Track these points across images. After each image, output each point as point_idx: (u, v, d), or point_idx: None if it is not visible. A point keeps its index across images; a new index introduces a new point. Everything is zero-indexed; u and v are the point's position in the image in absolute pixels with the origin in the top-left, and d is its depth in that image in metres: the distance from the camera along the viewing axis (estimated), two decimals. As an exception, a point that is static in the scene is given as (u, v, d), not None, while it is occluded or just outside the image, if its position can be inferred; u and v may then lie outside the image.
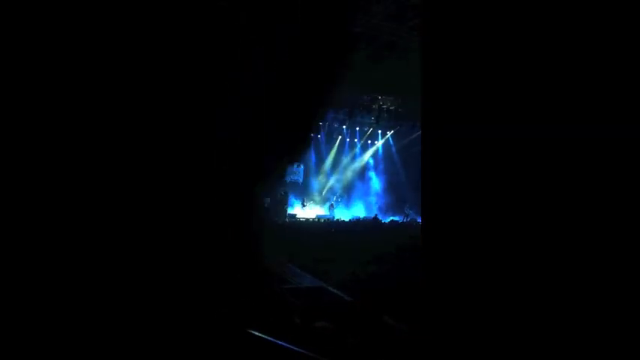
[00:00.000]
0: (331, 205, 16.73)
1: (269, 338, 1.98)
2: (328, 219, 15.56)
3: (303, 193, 16.97)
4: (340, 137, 18.28)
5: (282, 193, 16.13)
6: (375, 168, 18.88)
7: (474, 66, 1.60)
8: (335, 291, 4.39)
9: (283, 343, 1.96)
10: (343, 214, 16.38)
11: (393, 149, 18.78)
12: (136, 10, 1.84)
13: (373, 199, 18.11)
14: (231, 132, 2.10)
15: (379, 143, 18.83)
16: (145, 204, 1.95)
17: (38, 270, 1.73)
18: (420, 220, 16.37)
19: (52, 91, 1.83)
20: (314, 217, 15.68)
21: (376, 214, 15.86)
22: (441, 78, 1.71)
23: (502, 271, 1.45)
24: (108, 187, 1.88)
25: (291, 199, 16.34)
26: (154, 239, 1.93)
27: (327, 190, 17.99)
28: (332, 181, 18.19)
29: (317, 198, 17.60)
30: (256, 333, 1.97)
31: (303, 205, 15.89)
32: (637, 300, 1.21)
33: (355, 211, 17.17)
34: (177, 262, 1.98)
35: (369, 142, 18.88)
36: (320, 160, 18.19)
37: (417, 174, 17.63)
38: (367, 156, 18.89)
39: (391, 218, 16.57)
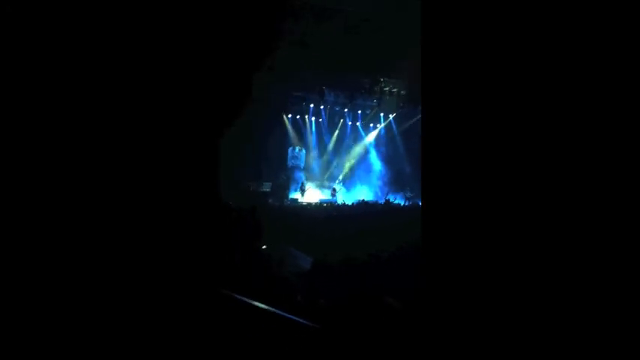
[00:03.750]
0: (333, 190, 16.74)
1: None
2: (331, 203, 15.60)
3: (304, 178, 16.99)
4: (342, 120, 18.19)
5: (284, 177, 16.16)
6: (378, 151, 18.82)
7: (474, 64, 1.59)
8: (335, 272, 4.44)
9: (287, 314, 2.03)
10: (346, 198, 16.40)
11: (396, 132, 18.69)
12: None
13: (376, 181, 18.11)
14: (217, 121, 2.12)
15: (381, 126, 18.73)
16: (142, 188, 1.97)
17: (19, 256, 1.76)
18: (420, 203, 16.40)
19: (48, 90, 1.86)
20: (317, 201, 15.72)
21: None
22: (441, 76, 1.70)
23: (504, 271, 1.45)
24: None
25: (293, 183, 16.39)
26: (156, 231, 1.97)
27: (329, 174, 17.99)
28: (334, 164, 18.17)
29: (319, 182, 17.61)
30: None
31: (303, 191, 15.90)
32: (636, 300, 1.22)
33: (358, 194, 17.19)
34: (180, 251, 2.02)
35: (372, 125, 18.78)
36: (322, 144, 18.15)
37: (418, 157, 17.57)
38: (369, 139, 18.81)
39: (388, 197, 16.49)
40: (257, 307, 2.06)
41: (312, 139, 17.93)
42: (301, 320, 2.01)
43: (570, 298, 1.32)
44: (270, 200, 14.08)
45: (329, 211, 13.15)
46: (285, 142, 17.35)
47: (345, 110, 17.80)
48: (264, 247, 6.41)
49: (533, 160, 1.43)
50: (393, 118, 18.41)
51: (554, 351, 1.33)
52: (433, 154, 1.71)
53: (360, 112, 18.11)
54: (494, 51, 1.54)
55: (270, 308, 2.05)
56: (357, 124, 18.46)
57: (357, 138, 18.68)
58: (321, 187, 17.39)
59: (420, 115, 17.77)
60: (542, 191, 1.40)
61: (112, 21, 1.87)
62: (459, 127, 1.63)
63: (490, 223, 1.51)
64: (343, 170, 18.19)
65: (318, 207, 14.34)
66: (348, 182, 17.90)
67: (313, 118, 17.73)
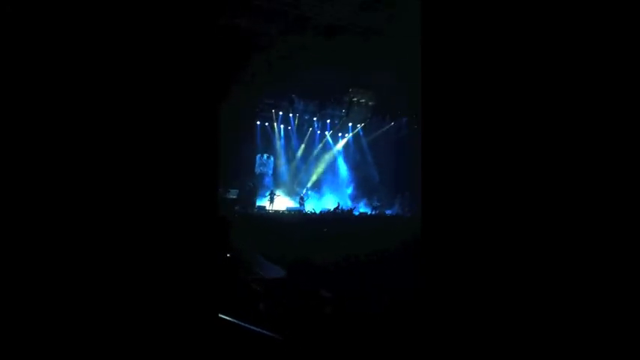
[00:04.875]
0: (301, 198, 16.67)
1: (238, 322, 2.02)
2: (299, 211, 15.52)
3: (272, 185, 16.84)
4: (311, 129, 18.24)
5: (251, 184, 15.94)
6: (346, 160, 18.97)
7: (473, 66, 1.59)
8: (297, 281, 4.40)
9: (250, 326, 2.00)
10: (314, 206, 16.38)
11: (364, 141, 18.93)
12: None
13: (344, 190, 18.22)
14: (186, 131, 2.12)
15: (350, 135, 18.92)
16: (112, 201, 1.93)
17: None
18: (387, 212, 16.65)
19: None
20: (284, 209, 15.60)
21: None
22: (440, 77, 1.70)
23: (504, 270, 1.45)
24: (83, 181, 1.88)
25: (260, 190, 16.20)
26: (124, 231, 1.91)
27: (298, 182, 17.93)
28: (302, 172, 18.13)
29: (288, 190, 17.50)
30: (226, 317, 2.02)
31: (272, 198, 15.75)
32: (636, 299, 1.21)
33: (326, 202, 17.22)
34: (146, 252, 1.96)
35: (340, 134, 18.93)
36: (290, 152, 18.08)
37: (386, 166, 17.93)
38: (338, 148, 18.94)
39: (352, 206, 16.63)
40: (225, 320, 2.03)
41: (280, 146, 17.84)
42: (266, 332, 1.98)
43: (568, 297, 1.31)
44: (236, 207, 13.84)
45: (296, 220, 13.09)
46: (253, 149, 17.17)
47: (314, 119, 17.87)
48: (228, 255, 6.27)
49: (533, 161, 1.42)
50: (362, 127, 18.65)
51: (553, 349, 1.31)
52: (433, 155, 1.71)
53: (328, 121, 18.23)
54: (494, 53, 1.53)
55: (235, 320, 2.02)
56: (326, 132, 18.56)
57: (325, 146, 18.75)
58: (289, 194, 17.28)
59: (387, 126, 18.13)
60: (542, 192, 1.40)
61: (110, 22, 1.86)
62: (459, 128, 1.62)
63: (489, 223, 1.50)
64: (311, 178, 18.18)
65: (286, 215, 14.24)
66: (316, 190, 17.89)
67: (282, 126, 17.67)
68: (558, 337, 1.32)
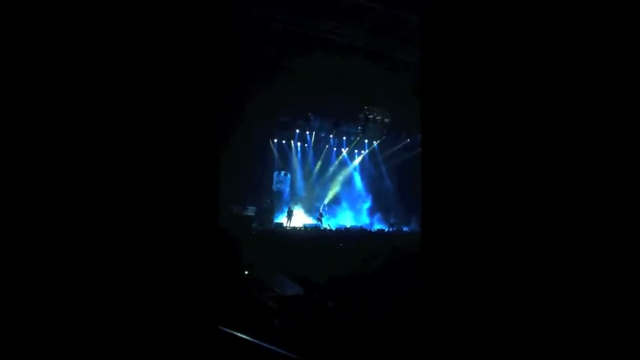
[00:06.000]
0: (320, 214, 16.74)
1: (237, 334, 2.05)
2: (317, 227, 15.57)
3: (290, 202, 16.97)
4: (327, 146, 18.41)
5: (269, 201, 16.10)
6: (362, 176, 19.01)
7: (472, 69, 1.62)
8: (316, 298, 4.46)
9: (260, 342, 2.04)
10: (331, 223, 16.40)
11: (380, 158, 18.96)
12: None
13: (360, 207, 18.21)
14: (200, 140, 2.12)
15: (366, 152, 19.00)
16: (119, 212, 1.95)
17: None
18: (405, 229, 16.51)
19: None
20: (301, 225, 15.67)
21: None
22: (440, 81, 1.74)
23: (504, 273, 1.46)
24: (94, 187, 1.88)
25: (278, 207, 16.34)
26: (132, 245, 1.94)
27: (315, 199, 18.01)
28: (319, 189, 18.23)
29: (305, 206, 17.59)
30: (241, 335, 2.04)
31: (289, 215, 15.86)
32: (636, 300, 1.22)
33: (343, 219, 17.23)
34: (157, 268, 1.99)
35: (356, 151, 19.03)
36: (307, 169, 18.25)
37: (402, 183, 17.85)
38: (354, 165, 19.02)
39: (377, 227, 16.65)
40: (242, 338, 2.05)
41: (297, 163, 18.03)
42: (282, 351, 2.01)
43: (566, 298, 1.32)
44: (254, 224, 13.99)
45: (313, 236, 13.12)
46: (270, 167, 17.41)
47: (331, 136, 18.06)
48: (246, 272, 6.37)
49: (530, 166, 1.44)
50: (378, 144, 18.71)
51: (552, 349, 1.32)
52: (432, 160, 1.75)
53: (344, 138, 18.38)
54: (494, 58, 1.55)
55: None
56: (342, 149, 18.69)
57: (342, 163, 18.85)
58: (307, 211, 17.36)
59: (403, 142, 18.15)
60: (539, 197, 1.42)
61: (111, 25, 1.86)
62: (458, 132, 1.65)
63: (488, 226, 1.53)
64: (328, 195, 18.24)
65: (303, 232, 14.30)
66: (333, 207, 17.93)
67: (299, 144, 17.90)
68: (554, 336, 1.33)
